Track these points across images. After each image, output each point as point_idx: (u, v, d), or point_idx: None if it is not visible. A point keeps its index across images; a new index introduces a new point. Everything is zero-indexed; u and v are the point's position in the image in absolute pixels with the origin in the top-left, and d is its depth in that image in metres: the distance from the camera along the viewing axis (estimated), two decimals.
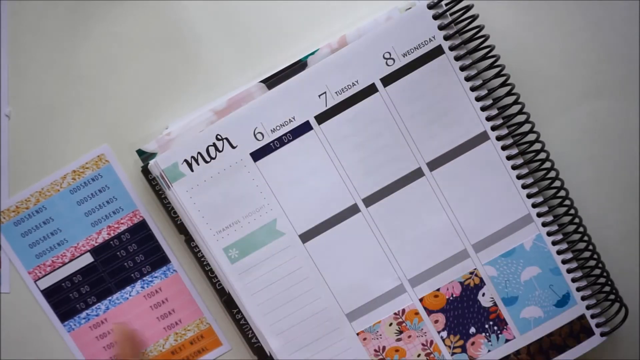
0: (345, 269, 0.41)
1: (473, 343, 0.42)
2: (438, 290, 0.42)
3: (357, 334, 0.42)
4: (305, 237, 0.41)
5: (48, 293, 0.44)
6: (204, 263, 0.42)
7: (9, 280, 0.44)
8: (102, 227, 0.43)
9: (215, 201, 0.41)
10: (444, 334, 0.42)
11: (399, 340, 0.42)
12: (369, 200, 0.41)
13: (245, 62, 0.43)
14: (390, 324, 0.42)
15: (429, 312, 0.42)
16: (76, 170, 0.43)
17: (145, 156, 0.42)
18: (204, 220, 0.41)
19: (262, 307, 0.42)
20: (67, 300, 0.44)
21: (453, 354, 0.42)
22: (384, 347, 0.42)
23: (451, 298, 0.42)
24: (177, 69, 0.43)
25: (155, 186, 0.42)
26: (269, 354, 0.42)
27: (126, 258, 0.44)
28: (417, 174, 0.41)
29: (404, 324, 0.42)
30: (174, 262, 0.44)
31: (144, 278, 0.44)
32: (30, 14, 0.42)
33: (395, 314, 0.42)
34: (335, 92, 0.40)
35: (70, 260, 0.44)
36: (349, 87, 0.40)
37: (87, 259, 0.44)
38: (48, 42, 0.43)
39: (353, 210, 0.41)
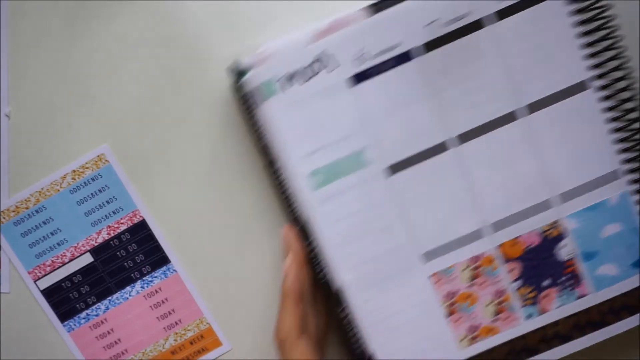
0: (428, 207, 0.40)
1: (545, 296, 0.41)
2: (517, 238, 0.41)
3: (431, 276, 0.41)
4: (393, 169, 0.40)
5: (48, 293, 0.44)
6: (283, 190, 0.41)
7: (9, 280, 0.44)
8: (102, 227, 0.43)
9: (307, 123, 0.40)
10: (518, 283, 0.41)
11: (471, 286, 0.41)
12: (461, 139, 0.40)
13: None
14: (465, 269, 0.41)
15: (506, 260, 0.41)
16: (76, 170, 0.43)
17: (238, 72, 0.40)
18: (293, 141, 0.40)
19: (338, 238, 0.40)
20: (67, 300, 0.44)
21: (524, 305, 0.41)
22: (456, 292, 0.41)
23: (529, 248, 0.41)
24: (178, 68, 0.43)
25: (245, 104, 0.40)
26: (335, 290, 0.41)
27: (126, 258, 0.44)
28: (513, 116, 0.40)
29: (478, 270, 0.41)
30: (174, 261, 0.44)
31: (144, 278, 0.44)
32: (30, 14, 0.42)
33: (471, 258, 0.41)
34: (445, 23, 0.39)
35: (70, 260, 0.44)
36: (460, 18, 0.39)
37: (87, 258, 0.44)
38: (48, 42, 0.43)
39: (444, 147, 0.40)
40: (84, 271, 0.44)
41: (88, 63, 0.43)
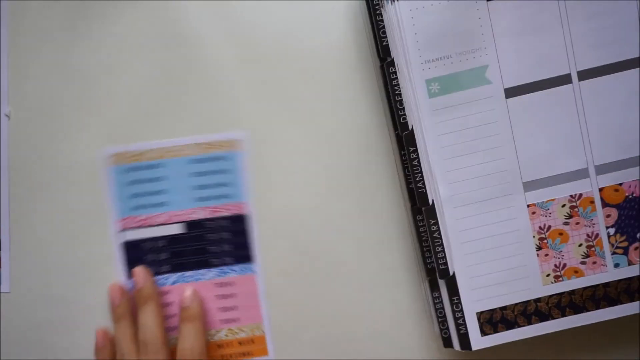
0: (537, 137, 0.40)
1: (636, 248, 0.41)
2: (620, 185, 0.41)
3: (528, 206, 0.41)
4: (510, 92, 0.40)
5: (127, 246, 0.43)
6: (396, 92, 0.41)
7: (9, 280, 0.44)
8: (206, 205, 0.43)
9: (435, 29, 0.40)
10: (612, 230, 0.41)
11: (566, 224, 0.41)
12: (585, 74, 0.40)
13: None
14: (563, 205, 0.41)
15: (604, 204, 0.41)
16: (208, 143, 0.43)
17: None
18: (417, 45, 0.40)
19: (443, 150, 0.40)
20: (141, 260, 0.43)
21: (614, 253, 0.41)
22: (549, 227, 0.41)
23: (630, 196, 0.41)
24: (177, 68, 0.43)
25: (372, 2, 0.41)
26: (431, 203, 0.41)
27: (214, 243, 0.43)
28: (637, 62, 0.40)
29: (576, 209, 0.41)
30: (258, 263, 0.43)
31: (223, 267, 0.43)
32: (30, 14, 0.43)
33: (571, 196, 0.41)
34: None
35: (162, 224, 0.43)
36: None
37: (179, 229, 0.43)
38: (48, 42, 0.43)
39: (565, 79, 0.40)
40: (171, 239, 0.43)
41: (88, 63, 0.43)
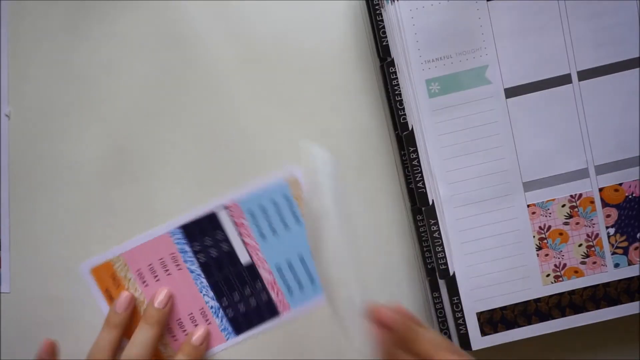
0: (538, 137, 0.41)
1: (636, 248, 0.41)
2: (620, 185, 0.41)
3: (528, 206, 0.41)
4: (510, 92, 0.40)
5: (210, 217, 0.43)
6: (396, 92, 0.41)
7: (9, 280, 0.44)
8: (275, 276, 0.44)
9: (435, 29, 0.40)
10: (612, 230, 0.41)
11: (566, 224, 0.41)
12: (585, 75, 0.40)
13: None
14: (563, 205, 0.41)
15: (604, 204, 0.41)
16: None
17: None
18: (417, 45, 0.40)
19: (443, 150, 0.40)
20: (203, 232, 0.44)
21: (614, 253, 0.41)
22: (549, 227, 0.41)
23: (630, 197, 0.41)
24: (177, 68, 0.43)
25: (372, 2, 0.41)
26: (431, 203, 0.41)
27: (243, 295, 0.44)
28: (637, 62, 0.40)
29: (576, 209, 0.41)
30: (237, 339, 0.44)
31: (220, 310, 0.44)
32: (30, 14, 0.43)
33: (571, 196, 0.41)
34: None
35: (244, 242, 0.44)
36: None
37: (245, 259, 0.44)
38: (48, 42, 0.43)
39: (565, 79, 0.40)
40: (232, 254, 0.44)
41: (88, 63, 0.43)
